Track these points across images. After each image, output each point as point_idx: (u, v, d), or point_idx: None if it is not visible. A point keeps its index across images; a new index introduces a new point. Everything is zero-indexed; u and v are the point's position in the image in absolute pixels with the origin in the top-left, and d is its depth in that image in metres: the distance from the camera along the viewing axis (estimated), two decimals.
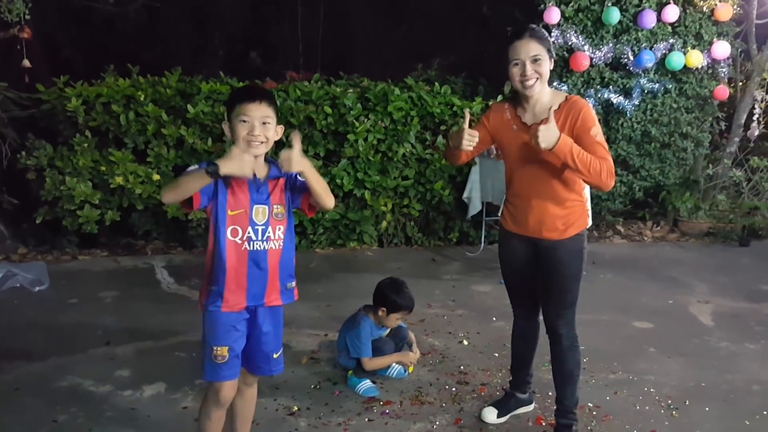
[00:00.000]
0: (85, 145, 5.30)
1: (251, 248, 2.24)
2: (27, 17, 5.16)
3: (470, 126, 2.63)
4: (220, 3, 10.71)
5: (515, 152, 2.72)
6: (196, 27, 10.84)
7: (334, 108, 5.66)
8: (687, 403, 3.23)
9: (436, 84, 6.05)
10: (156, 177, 5.38)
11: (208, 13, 10.71)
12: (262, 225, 2.25)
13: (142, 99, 5.36)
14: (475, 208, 5.77)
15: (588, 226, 2.77)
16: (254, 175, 2.22)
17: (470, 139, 2.60)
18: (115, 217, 5.43)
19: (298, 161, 2.12)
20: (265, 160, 2.31)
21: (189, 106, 5.39)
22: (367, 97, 5.76)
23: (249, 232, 2.24)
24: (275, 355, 2.42)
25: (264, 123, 2.18)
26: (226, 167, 2.05)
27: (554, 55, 2.66)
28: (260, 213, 2.25)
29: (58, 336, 3.95)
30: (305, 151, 5.61)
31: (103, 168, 5.28)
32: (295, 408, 3.10)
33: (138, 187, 5.31)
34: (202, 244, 5.62)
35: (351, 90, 5.83)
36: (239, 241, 2.23)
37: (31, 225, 5.63)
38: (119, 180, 5.23)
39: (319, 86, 5.80)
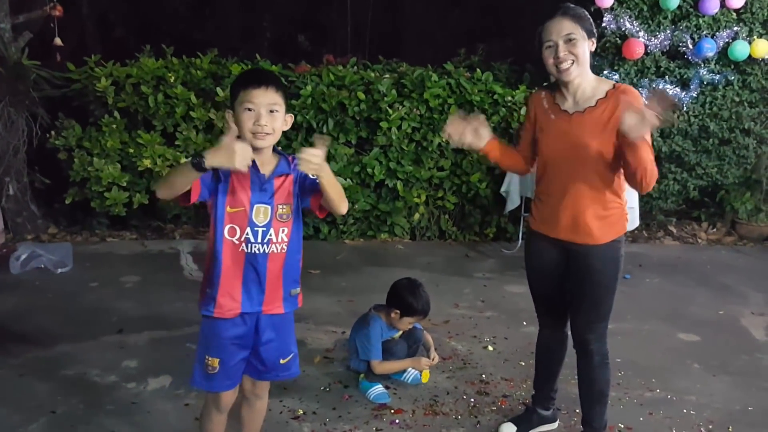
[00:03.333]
0: (114, 126, 5.24)
1: (249, 251, 2.05)
2: None
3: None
4: None
5: (552, 144, 2.45)
6: (246, 8, 10.82)
7: (367, 94, 5.44)
8: (730, 429, 2.93)
9: (478, 70, 5.76)
10: (184, 160, 5.25)
11: None
12: (262, 226, 2.05)
13: (172, 80, 5.26)
14: (513, 203, 5.48)
15: (626, 232, 2.49)
16: (257, 169, 2.02)
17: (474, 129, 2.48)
18: (143, 200, 5.37)
19: (319, 166, 1.88)
20: (275, 151, 2.11)
21: (218, 89, 5.26)
22: (403, 83, 5.51)
23: (247, 233, 2.04)
24: (283, 361, 2.22)
25: (271, 111, 1.98)
26: (212, 159, 1.83)
27: (595, 35, 2.37)
28: (261, 213, 2.04)
29: (73, 321, 3.90)
30: (335, 138, 5.45)
31: (131, 150, 5.21)
32: (301, 411, 2.94)
33: (166, 170, 5.22)
34: None
35: (387, 75, 5.60)
36: (236, 242, 2.04)
37: (62, 205, 5.63)
38: (147, 162, 5.15)
39: (354, 71, 5.59)
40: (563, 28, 2.29)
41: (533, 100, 2.57)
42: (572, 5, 2.35)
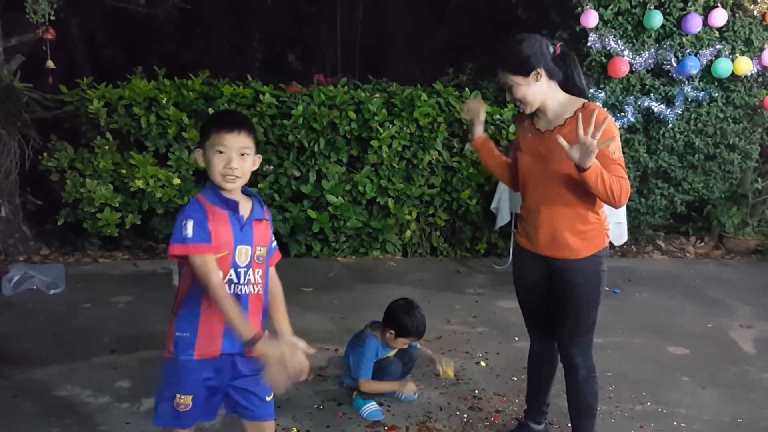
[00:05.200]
0: (106, 147, 5.28)
1: (231, 292, 2.00)
2: (52, 18, 5.16)
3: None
4: (260, 4, 10.73)
5: (527, 161, 2.51)
6: (235, 28, 10.90)
7: (358, 113, 5.51)
8: None
9: (466, 89, 5.84)
10: (176, 181, 5.32)
11: (247, 14, 10.74)
12: (243, 267, 2.03)
13: (164, 102, 5.30)
14: (503, 219, 5.53)
15: (615, 246, 2.53)
16: (236, 212, 2.03)
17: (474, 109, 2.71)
18: (136, 221, 5.39)
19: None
20: (246, 193, 2.11)
21: (210, 110, 5.31)
22: (393, 103, 5.59)
23: (231, 275, 2.01)
24: (268, 398, 2.17)
25: (242, 154, 1.99)
26: (261, 350, 1.87)
27: (535, 65, 2.35)
28: (243, 254, 2.03)
29: (65, 341, 3.90)
30: (327, 157, 5.51)
31: (124, 171, 5.24)
32: (294, 430, 2.95)
33: (158, 190, 5.25)
34: None
35: (377, 95, 5.67)
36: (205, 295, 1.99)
37: (54, 226, 5.64)
38: (139, 183, 5.18)
39: (344, 91, 5.66)
40: (500, 77, 2.42)
41: (518, 118, 2.64)
42: (504, 51, 2.42)
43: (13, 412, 3.06)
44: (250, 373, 2.10)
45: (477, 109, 2.73)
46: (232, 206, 2.01)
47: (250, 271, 2.05)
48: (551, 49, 2.41)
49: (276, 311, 2.15)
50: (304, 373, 1.88)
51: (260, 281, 2.09)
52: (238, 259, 2.02)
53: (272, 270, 2.20)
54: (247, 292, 2.06)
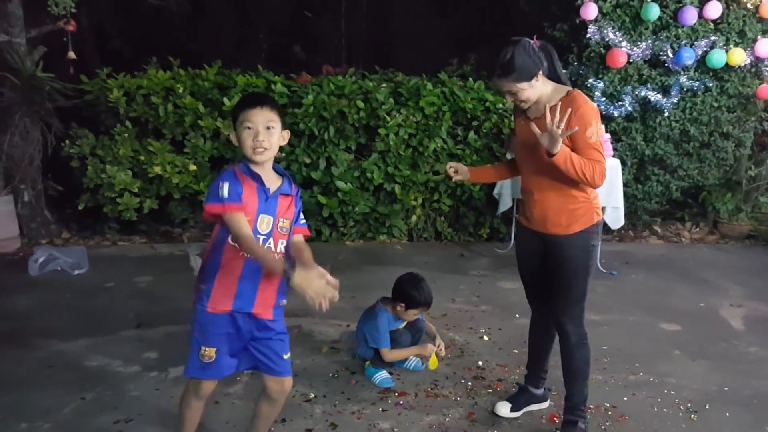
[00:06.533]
0: (126, 135, 5.49)
1: (248, 256, 2.20)
2: (73, 10, 5.36)
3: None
4: None
5: (519, 146, 2.77)
6: (241, 19, 11.05)
7: (366, 102, 5.71)
8: (707, 407, 3.18)
9: (470, 79, 6.04)
10: (192, 167, 5.53)
11: (253, 5, 10.90)
12: (264, 235, 2.23)
13: (180, 91, 5.51)
14: (505, 204, 5.75)
15: (595, 223, 2.73)
16: (263, 184, 2.24)
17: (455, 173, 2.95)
18: (154, 206, 5.61)
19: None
20: (278, 171, 2.33)
21: (225, 99, 5.51)
22: (400, 92, 5.79)
23: None
24: (285, 356, 2.38)
25: (268, 128, 2.20)
26: (299, 280, 2.06)
27: (537, 71, 2.56)
28: (264, 223, 2.23)
29: (93, 317, 4.12)
30: (336, 145, 5.71)
31: (143, 157, 5.45)
32: (312, 395, 3.17)
33: (175, 176, 5.47)
34: None
35: (384, 85, 5.87)
36: (239, 247, 2.21)
37: (74, 211, 5.86)
38: (157, 169, 5.40)
39: (352, 81, 5.86)
40: (503, 86, 2.58)
41: (516, 108, 2.82)
42: (505, 62, 2.53)
43: (50, 379, 3.28)
44: (271, 335, 2.33)
45: (457, 169, 2.97)
46: (258, 179, 2.23)
47: (271, 239, 2.25)
48: (535, 47, 2.59)
49: (303, 254, 2.34)
50: (335, 293, 2.10)
51: (282, 251, 2.29)
52: (259, 226, 2.22)
53: (299, 236, 2.41)
54: None
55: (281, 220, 2.27)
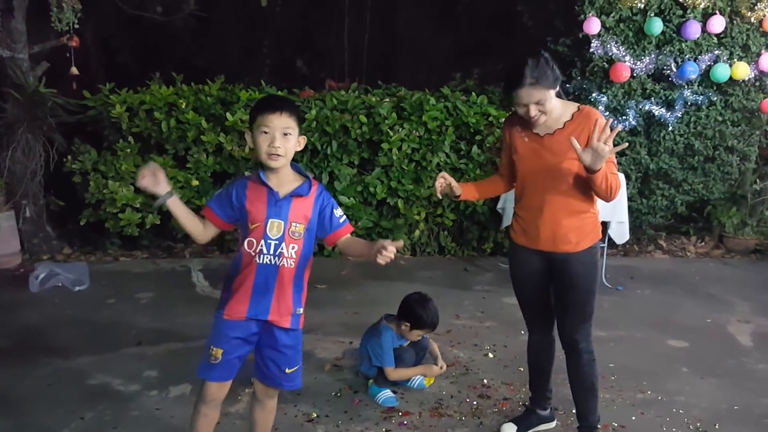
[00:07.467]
0: (128, 150, 5.48)
1: (260, 261, 2.22)
2: (76, 26, 5.37)
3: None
4: (270, 11, 10.91)
5: (528, 164, 2.68)
6: (245, 34, 11.09)
7: (369, 117, 5.70)
8: (717, 426, 3.12)
9: (473, 94, 6.03)
10: (195, 182, 5.52)
11: (258, 20, 10.93)
12: (275, 240, 2.21)
13: (183, 106, 5.51)
14: (509, 218, 5.67)
15: (600, 238, 2.71)
16: (271, 189, 2.22)
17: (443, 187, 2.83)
18: (156, 221, 5.59)
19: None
20: (300, 173, 2.31)
21: (228, 114, 5.51)
22: (403, 107, 5.78)
23: (261, 245, 2.21)
24: (288, 370, 2.38)
25: (285, 134, 2.16)
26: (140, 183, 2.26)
27: (558, 80, 2.54)
28: (275, 227, 2.21)
29: (94, 334, 4.09)
30: (339, 159, 5.69)
31: None
32: (314, 415, 3.13)
33: (178, 192, 5.43)
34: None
35: (387, 99, 5.86)
36: (252, 253, 2.22)
37: (76, 226, 5.85)
38: None
39: (355, 95, 5.85)
40: (533, 96, 2.49)
41: (507, 122, 2.79)
42: (535, 70, 2.46)
43: (49, 398, 3.24)
44: (282, 346, 2.33)
45: (445, 185, 2.86)
46: (266, 184, 2.22)
47: (283, 244, 2.22)
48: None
49: (356, 246, 2.33)
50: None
51: (294, 256, 2.25)
52: (269, 231, 2.21)
53: (343, 238, 2.36)
54: (277, 263, 2.23)
55: (293, 224, 2.23)
